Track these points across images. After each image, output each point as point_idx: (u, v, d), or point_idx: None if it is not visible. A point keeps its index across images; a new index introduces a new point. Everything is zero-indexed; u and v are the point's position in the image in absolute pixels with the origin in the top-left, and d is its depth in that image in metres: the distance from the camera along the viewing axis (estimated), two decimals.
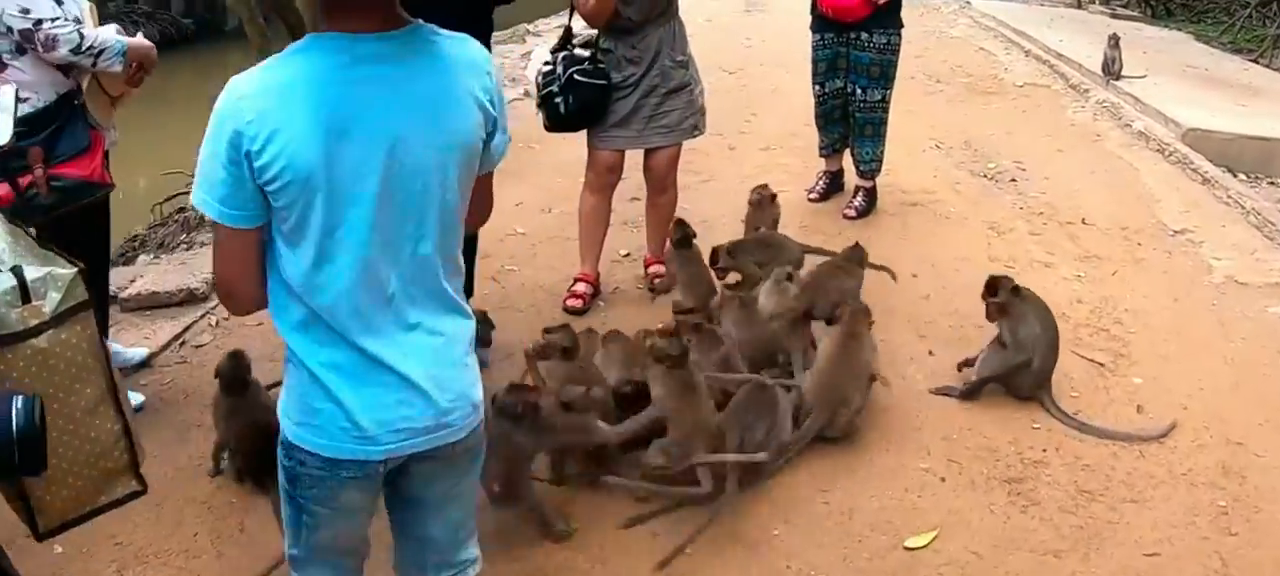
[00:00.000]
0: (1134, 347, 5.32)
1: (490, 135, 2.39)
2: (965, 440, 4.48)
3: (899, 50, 6.82)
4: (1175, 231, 6.96)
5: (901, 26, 6.79)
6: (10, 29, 3.98)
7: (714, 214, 6.87)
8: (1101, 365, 5.12)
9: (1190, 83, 11.06)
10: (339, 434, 2.32)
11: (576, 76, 5.43)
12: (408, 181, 2.23)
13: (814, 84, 7.12)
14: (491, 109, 2.36)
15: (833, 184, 7.35)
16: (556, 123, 5.54)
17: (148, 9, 17.84)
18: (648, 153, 5.70)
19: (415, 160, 2.22)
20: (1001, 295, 4.72)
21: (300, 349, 2.32)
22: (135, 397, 4.47)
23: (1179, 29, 15.52)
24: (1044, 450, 4.44)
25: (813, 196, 7.27)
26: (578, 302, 5.64)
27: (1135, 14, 16.88)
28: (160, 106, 10.69)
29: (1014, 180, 7.89)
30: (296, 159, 2.11)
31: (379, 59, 2.18)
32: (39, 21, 3.96)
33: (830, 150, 7.29)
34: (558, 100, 5.45)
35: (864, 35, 6.70)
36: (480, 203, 2.54)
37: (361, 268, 2.24)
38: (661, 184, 5.80)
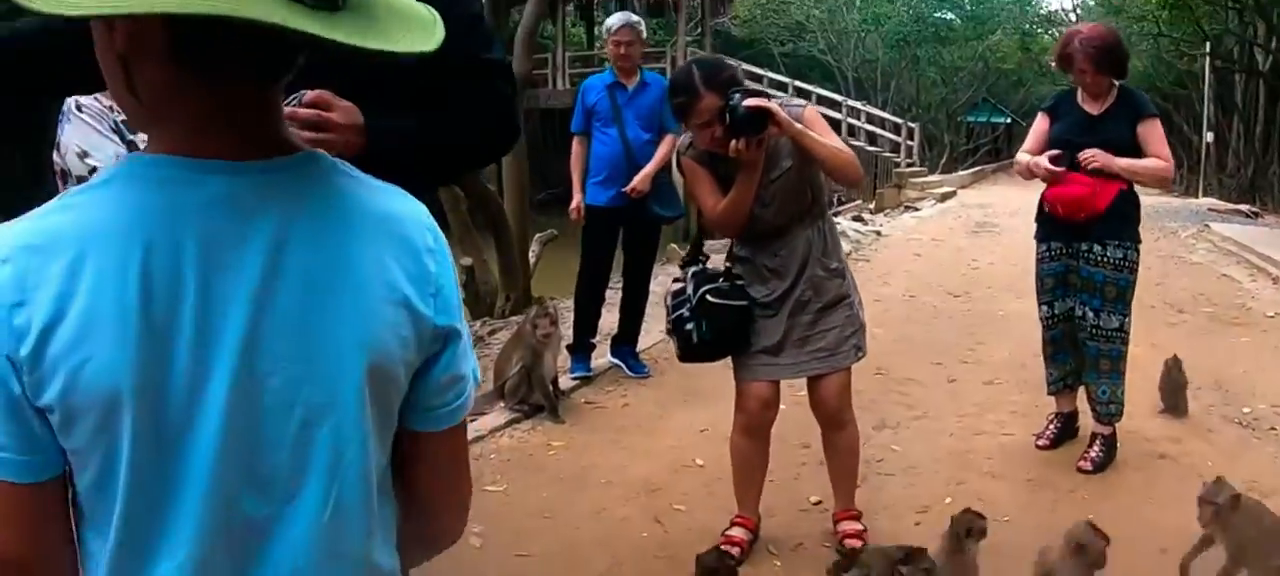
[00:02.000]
0: None
1: (435, 356, 1.40)
2: None
3: (1137, 268, 5.68)
4: None
5: (1139, 241, 5.67)
6: (69, 173, 3.24)
7: (925, 459, 5.84)
8: None
9: None
10: None
11: (709, 297, 4.40)
12: (274, 419, 1.27)
13: (1040, 304, 6.00)
14: (427, 308, 1.37)
15: (1065, 428, 6.11)
16: (689, 352, 4.54)
17: None
18: (810, 383, 4.60)
19: (286, 382, 1.27)
20: None
21: None
22: None
23: None
24: None
25: (1042, 443, 6.06)
26: (734, 549, 4.58)
27: None
28: None
29: (1273, 428, 6.52)
30: (92, 369, 1.17)
31: (234, 205, 1.23)
32: (94, 169, 3.17)
33: (1061, 386, 6.08)
34: (690, 327, 4.44)
35: (1097, 248, 5.58)
36: (441, 483, 1.52)
37: (192, 570, 1.27)
38: (835, 419, 4.64)
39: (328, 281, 1.28)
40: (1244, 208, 22.71)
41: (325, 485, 1.31)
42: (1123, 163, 5.51)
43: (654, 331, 7.98)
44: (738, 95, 4.04)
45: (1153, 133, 5.62)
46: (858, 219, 18.57)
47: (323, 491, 1.31)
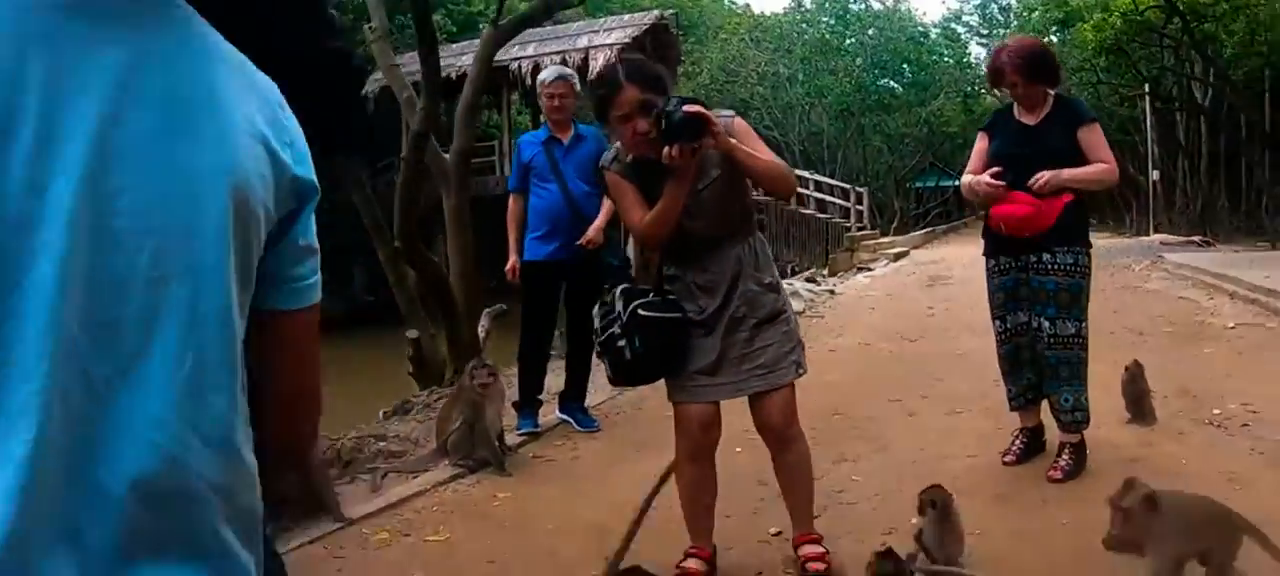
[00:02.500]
0: None
1: (293, 215, 1.23)
2: None
3: (1090, 273, 5.49)
4: None
5: (1090, 245, 5.51)
6: None
7: (889, 485, 5.54)
8: None
9: None
10: None
11: (640, 310, 4.12)
12: (122, 249, 1.04)
13: (993, 320, 5.80)
14: (286, 155, 1.21)
15: (1031, 444, 5.84)
16: (622, 371, 4.24)
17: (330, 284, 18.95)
18: (753, 403, 4.30)
19: (138, 205, 1.05)
20: None
21: None
22: None
23: None
24: None
25: (1008, 459, 5.79)
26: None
27: None
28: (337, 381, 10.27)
29: (1246, 425, 6.30)
30: None
31: (86, 6, 1.05)
32: None
33: (1022, 402, 5.82)
34: (621, 343, 4.13)
35: (1046, 256, 5.40)
36: (299, 374, 1.31)
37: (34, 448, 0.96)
38: (782, 437, 4.32)
39: (188, 100, 1.12)
40: (1196, 238, 22.76)
41: (180, 339, 1.08)
42: (1068, 173, 5.37)
43: (604, 387, 7.69)
44: (675, 101, 3.84)
45: (1093, 137, 5.49)
46: (811, 280, 18.38)
47: (176, 346, 1.07)
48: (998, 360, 5.85)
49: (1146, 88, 30.37)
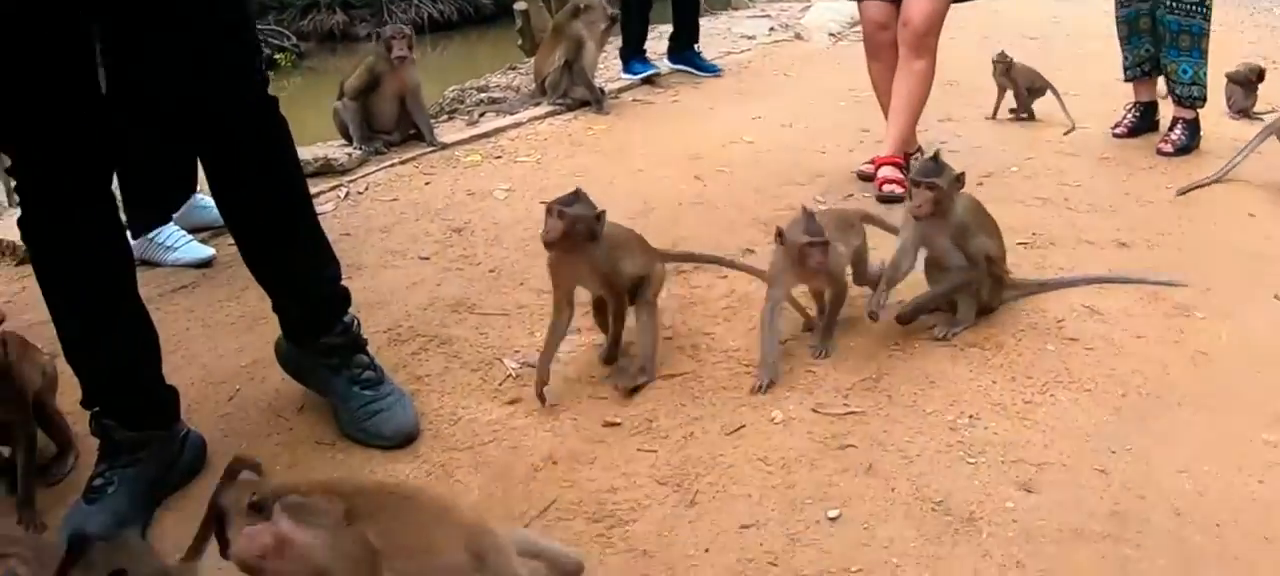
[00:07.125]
0: None
1: None
2: None
3: None
4: None
5: None
6: None
7: (991, 142, 5.62)
8: None
9: None
10: None
11: None
12: None
13: None
14: None
15: (1144, 119, 5.67)
16: None
17: None
18: (905, 3, 4.58)
19: None
20: None
21: None
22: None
23: None
24: None
25: (1118, 131, 5.65)
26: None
27: None
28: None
29: None
30: None
31: None
32: None
33: (1138, 72, 5.62)
34: None
35: None
36: None
37: None
38: (918, 43, 4.58)
39: None
40: None
41: None
42: None
43: (712, 42, 7.75)
44: None
45: None
46: None
47: None
48: (1116, 26, 5.65)
49: None
